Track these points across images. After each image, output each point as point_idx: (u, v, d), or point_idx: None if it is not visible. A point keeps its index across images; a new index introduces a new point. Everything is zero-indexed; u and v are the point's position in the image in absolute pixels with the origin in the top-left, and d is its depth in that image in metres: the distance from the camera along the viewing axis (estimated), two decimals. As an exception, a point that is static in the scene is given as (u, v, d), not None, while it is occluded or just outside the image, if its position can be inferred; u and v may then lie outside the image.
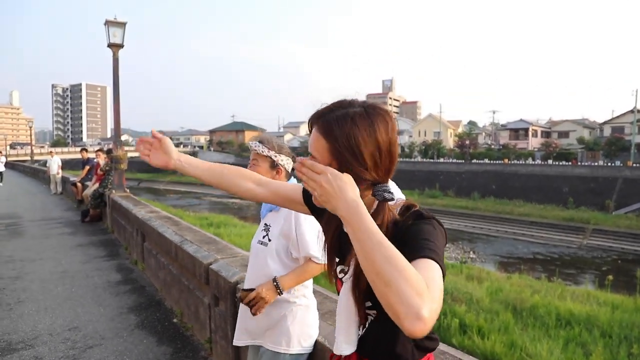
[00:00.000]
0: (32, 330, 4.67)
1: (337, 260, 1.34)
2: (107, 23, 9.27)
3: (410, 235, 1.09)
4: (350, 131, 1.14)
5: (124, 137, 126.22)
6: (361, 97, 1.26)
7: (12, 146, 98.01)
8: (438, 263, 1.01)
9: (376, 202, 1.19)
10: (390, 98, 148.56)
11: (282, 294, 2.18)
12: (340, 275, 1.34)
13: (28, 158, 48.41)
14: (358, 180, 1.11)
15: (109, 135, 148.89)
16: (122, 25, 9.35)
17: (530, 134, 67.27)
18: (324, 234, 1.36)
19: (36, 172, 29.28)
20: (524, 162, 50.88)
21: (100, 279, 6.53)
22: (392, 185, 1.26)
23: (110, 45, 9.41)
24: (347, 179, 1.05)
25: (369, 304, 1.25)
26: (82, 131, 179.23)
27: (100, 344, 4.29)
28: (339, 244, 1.31)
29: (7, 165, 43.29)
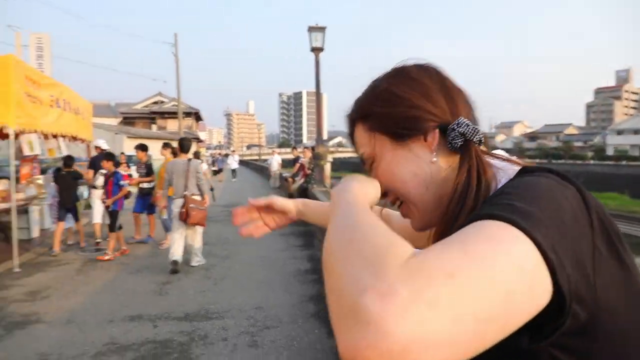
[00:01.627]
0: (227, 305, 5.22)
1: None
2: (310, 29, 10.01)
3: (490, 199, 0.60)
4: (380, 93, 0.76)
5: (337, 140, 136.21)
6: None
7: (249, 147, 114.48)
8: (521, 228, 0.47)
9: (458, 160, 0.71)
10: (627, 91, 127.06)
11: None
12: None
13: (257, 157, 55.94)
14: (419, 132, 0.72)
15: (325, 137, 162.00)
16: (322, 29, 9.99)
17: None
18: None
19: (262, 169, 33.49)
20: None
21: (292, 266, 6.99)
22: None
23: (312, 50, 10.14)
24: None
25: None
26: (302, 134, 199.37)
27: (277, 327, 4.54)
28: None
29: (242, 163, 50.66)
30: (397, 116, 0.73)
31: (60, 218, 8.11)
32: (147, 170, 8.67)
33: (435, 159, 0.71)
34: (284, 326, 4.56)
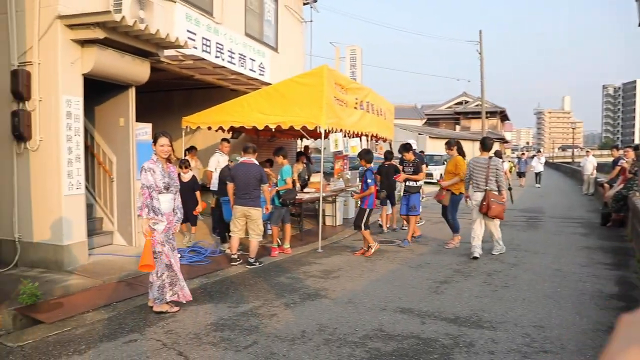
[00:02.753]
0: (502, 315, 4.76)
1: None
2: None
3: None
4: None
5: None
6: None
7: (562, 148, 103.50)
8: None
9: None
10: None
11: None
12: None
13: (570, 159, 49.96)
14: None
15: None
16: (656, -3, 7.97)
17: None
18: None
19: (574, 173, 29.84)
20: None
21: (592, 286, 5.88)
22: None
23: (641, 26, 8.23)
24: None
25: None
26: (634, 132, 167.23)
27: (557, 353, 3.85)
28: None
29: (552, 165, 46.20)
30: None
31: (383, 204, 9.51)
32: (414, 169, 8.66)
33: None
34: (567, 354, 3.84)
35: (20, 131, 6.04)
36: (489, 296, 5.44)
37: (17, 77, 5.99)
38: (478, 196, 7.38)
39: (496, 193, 7.34)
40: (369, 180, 7.44)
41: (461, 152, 8.31)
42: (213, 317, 4.68)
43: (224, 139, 8.78)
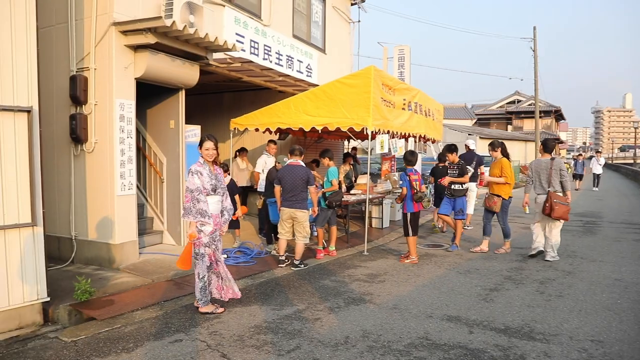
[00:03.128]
0: (557, 327, 4.51)
1: None
2: None
3: None
4: None
5: None
6: None
7: (622, 149, 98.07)
8: None
9: None
10: None
11: None
12: None
13: (632, 161, 47.22)
14: None
15: None
16: None
17: None
18: None
19: (636, 175, 28.23)
20: None
21: (657, 298, 5.49)
22: None
23: None
24: None
25: None
26: None
27: (617, 370, 3.61)
28: None
29: (612, 167, 43.85)
30: None
31: (435, 204, 9.44)
32: (459, 171, 8.31)
33: None
34: (628, 372, 3.59)
35: (78, 134, 6.32)
36: (541, 306, 5.18)
37: (75, 82, 6.27)
38: (542, 198, 7.31)
39: (560, 194, 7.22)
40: (400, 182, 7.18)
41: (505, 154, 7.98)
42: (257, 319, 4.70)
43: (270, 141, 8.85)
